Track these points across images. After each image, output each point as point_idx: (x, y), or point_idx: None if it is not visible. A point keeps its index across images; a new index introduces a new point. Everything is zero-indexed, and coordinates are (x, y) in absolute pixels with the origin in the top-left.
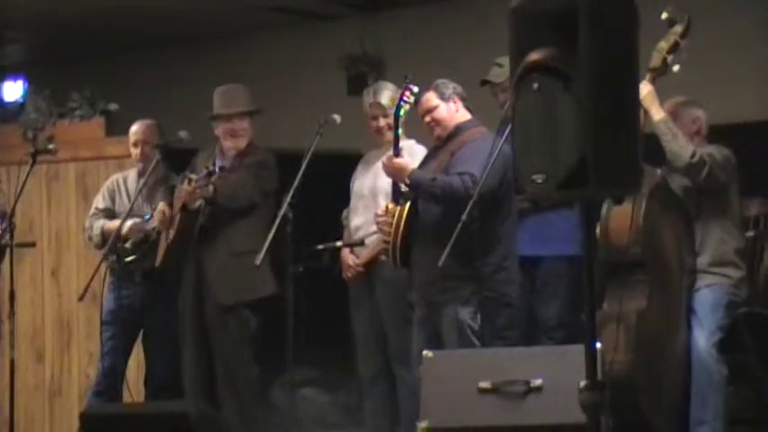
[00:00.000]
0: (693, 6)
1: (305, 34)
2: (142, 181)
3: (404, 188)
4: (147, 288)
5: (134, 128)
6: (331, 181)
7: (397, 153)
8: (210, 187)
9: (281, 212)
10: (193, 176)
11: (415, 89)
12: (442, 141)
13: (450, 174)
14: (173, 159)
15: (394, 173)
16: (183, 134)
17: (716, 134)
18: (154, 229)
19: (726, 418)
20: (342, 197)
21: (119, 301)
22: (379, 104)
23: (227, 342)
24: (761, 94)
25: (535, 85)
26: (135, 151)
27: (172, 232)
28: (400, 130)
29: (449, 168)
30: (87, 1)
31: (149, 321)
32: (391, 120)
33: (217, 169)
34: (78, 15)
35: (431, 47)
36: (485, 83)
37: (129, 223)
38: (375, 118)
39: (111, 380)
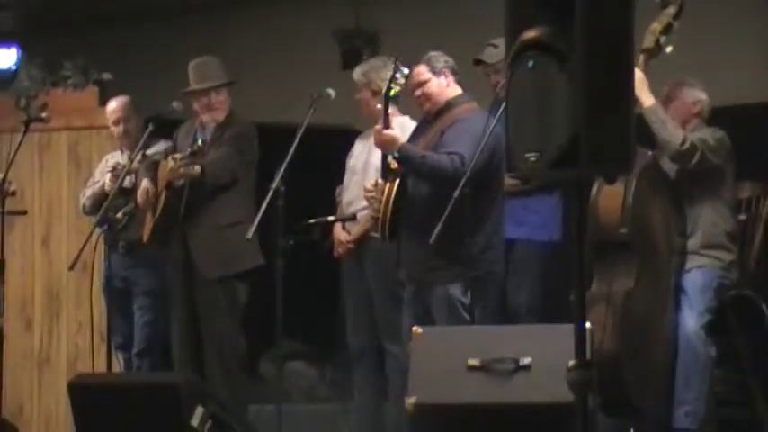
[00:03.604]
0: None
1: (300, 8)
2: (137, 153)
3: (393, 165)
4: (132, 258)
5: (112, 105)
6: (324, 155)
7: (387, 125)
8: (197, 167)
9: (273, 186)
10: (177, 155)
11: (406, 70)
12: (431, 116)
13: (438, 153)
14: (167, 130)
15: (383, 145)
16: (175, 105)
17: (711, 116)
18: (137, 206)
19: (709, 400)
20: (334, 172)
21: (107, 270)
22: (354, 80)
23: (215, 313)
24: (755, 76)
25: (530, 63)
26: (117, 129)
27: (158, 209)
28: (390, 110)
29: (437, 148)
30: None
31: (135, 290)
32: (367, 95)
33: (200, 144)
34: None
35: (426, 22)
36: (478, 62)
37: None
38: (358, 92)
39: (126, 350)
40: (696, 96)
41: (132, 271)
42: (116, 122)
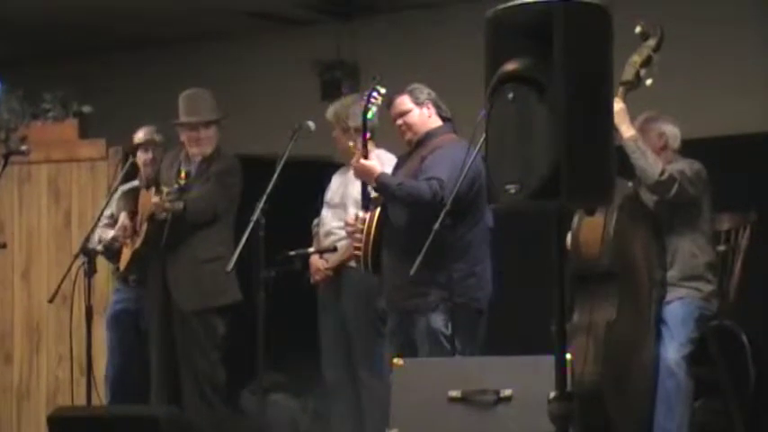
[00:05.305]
0: (693, 16)
1: (280, 39)
2: (116, 184)
3: (373, 194)
4: (142, 292)
5: (141, 134)
6: (304, 187)
7: (366, 155)
8: (181, 203)
9: (254, 218)
10: (165, 189)
11: (383, 90)
12: (412, 147)
13: (418, 179)
14: None
15: (362, 174)
16: (156, 136)
17: (690, 147)
18: (115, 240)
19: (691, 430)
20: (314, 203)
21: (113, 306)
22: (329, 120)
23: (193, 346)
24: (734, 108)
25: (510, 95)
26: (146, 156)
27: (138, 240)
28: (368, 134)
29: (418, 174)
30: (62, 1)
31: (144, 327)
32: (340, 132)
33: (185, 176)
34: (53, 16)
35: (406, 54)
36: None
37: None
38: (332, 130)
39: (115, 389)
40: (660, 129)
41: (143, 304)
42: (146, 149)
